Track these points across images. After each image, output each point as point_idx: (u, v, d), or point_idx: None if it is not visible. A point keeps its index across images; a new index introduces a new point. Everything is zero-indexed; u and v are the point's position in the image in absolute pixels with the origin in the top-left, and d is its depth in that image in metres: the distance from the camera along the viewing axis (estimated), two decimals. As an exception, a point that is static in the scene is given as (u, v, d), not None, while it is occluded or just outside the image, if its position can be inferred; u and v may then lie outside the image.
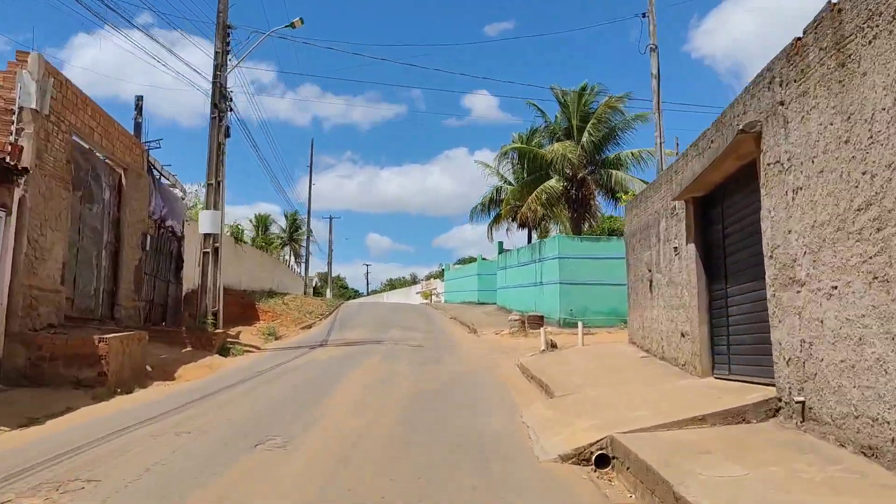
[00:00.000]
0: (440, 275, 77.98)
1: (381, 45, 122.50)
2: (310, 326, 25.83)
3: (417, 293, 72.37)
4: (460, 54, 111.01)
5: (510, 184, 33.31)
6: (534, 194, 26.09)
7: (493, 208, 35.11)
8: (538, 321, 23.01)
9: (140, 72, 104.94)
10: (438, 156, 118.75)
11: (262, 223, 75.63)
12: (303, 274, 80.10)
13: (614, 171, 26.10)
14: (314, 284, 70.96)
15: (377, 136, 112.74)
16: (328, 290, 68.85)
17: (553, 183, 26.22)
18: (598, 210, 26.29)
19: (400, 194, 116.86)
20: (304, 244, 76.88)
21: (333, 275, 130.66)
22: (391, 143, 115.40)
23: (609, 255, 23.74)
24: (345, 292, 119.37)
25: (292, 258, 77.15)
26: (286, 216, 75.54)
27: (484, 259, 39.94)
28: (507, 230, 34.93)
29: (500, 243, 34.66)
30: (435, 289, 66.43)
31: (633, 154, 26.11)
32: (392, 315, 32.52)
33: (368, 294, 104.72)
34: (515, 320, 22.90)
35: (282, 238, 75.64)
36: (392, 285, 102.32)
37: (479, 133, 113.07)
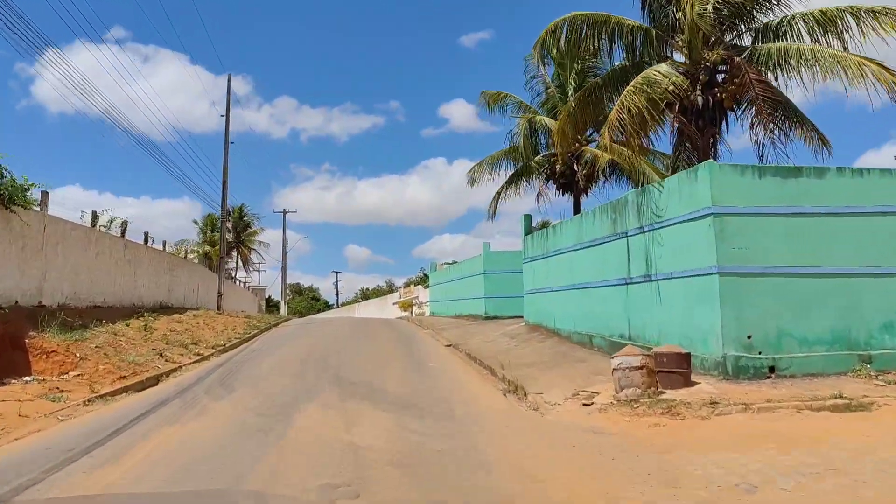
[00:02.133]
0: (422, 280, 63.92)
1: (357, 55, 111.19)
2: (142, 386, 11.47)
3: (395, 304, 58.28)
4: (437, 64, 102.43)
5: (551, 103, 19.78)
6: (628, 93, 12.19)
7: (508, 161, 21.35)
8: (679, 364, 9.30)
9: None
10: (416, 166, 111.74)
11: (211, 225, 61.23)
12: (254, 284, 65.73)
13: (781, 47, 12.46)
14: (280, 298, 56.59)
15: (355, 148, 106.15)
16: (282, 303, 54.48)
17: (664, 71, 12.43)
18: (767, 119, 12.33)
19: (378, 205, 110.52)
20: (257, 247, 62.55)
21: (306, 286, 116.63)
22: (369, 154, 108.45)
23: (846, 206, 10.23)
24: (315, 304, 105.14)
25: (238, 266, 62.71)
26: (231, 212, 61.07)
27: (494, 251, 25.94)
28: (537, 196, 21.10)
29: (527, 217, 20.77)
30: (416, 297, 52.40)
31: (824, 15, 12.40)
32: (348, 343, 18.61)
33: (339, 306, 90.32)
34: (631, 369, 9.03)
35: (227, 241, 61.15)
36: (365, 295, 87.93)
37: (457, 142, 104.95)
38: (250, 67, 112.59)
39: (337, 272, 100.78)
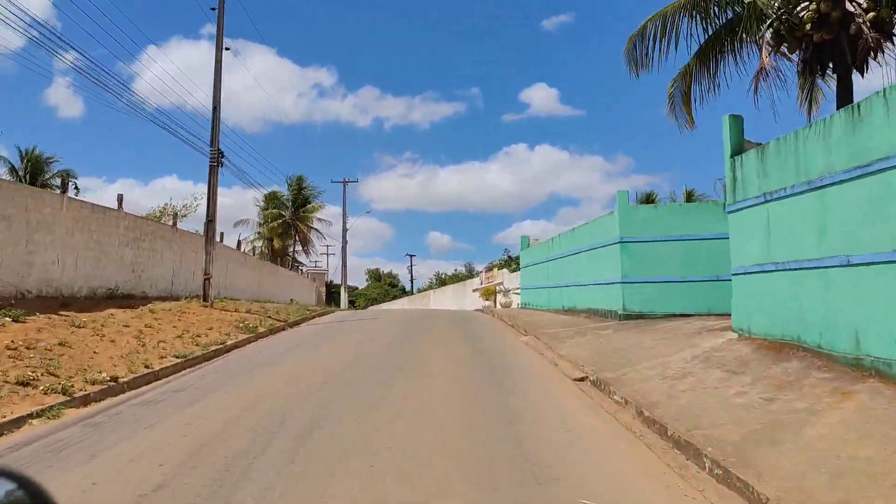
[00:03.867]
0: (507, 263, 53.86)
1: (437, 43, 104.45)
2: None
3: (475, 290, 48.60)
4: (517, 49, 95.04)
5: None
6: None
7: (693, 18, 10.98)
8: None
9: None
10: (497, 152, 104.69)
11: (273, 202, 53.50)
12: (314, 268, 57.38)
13: None
14: (341, 283, 48.12)
15: (437, 135, 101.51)
16: (343, 290, 45.79)
17: None
18: None
19: (460, 192, 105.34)
20: (316, 224, 54.26)
21: (386, 271, 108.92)
22: (451, 141, 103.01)
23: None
24: (391, 291, 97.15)
25: (299, 249, 54.63)
26: (288, 184, 52.93)
27: (640, 206, 15.48)
28: (757, 77, 10.54)
29: (735, 122, 10.13)
30: (500, 283, 42.57)
31: None
32: (362, 390, 9.09)
33: (413, 292, 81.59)
34: None
35: (283, 217, 53.09)
36: (442, 281, 78.62)
37: (539, 127, 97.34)
38: (335, 58, 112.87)
39: (411, 255, 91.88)
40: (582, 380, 9.12)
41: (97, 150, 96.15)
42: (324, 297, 50.04)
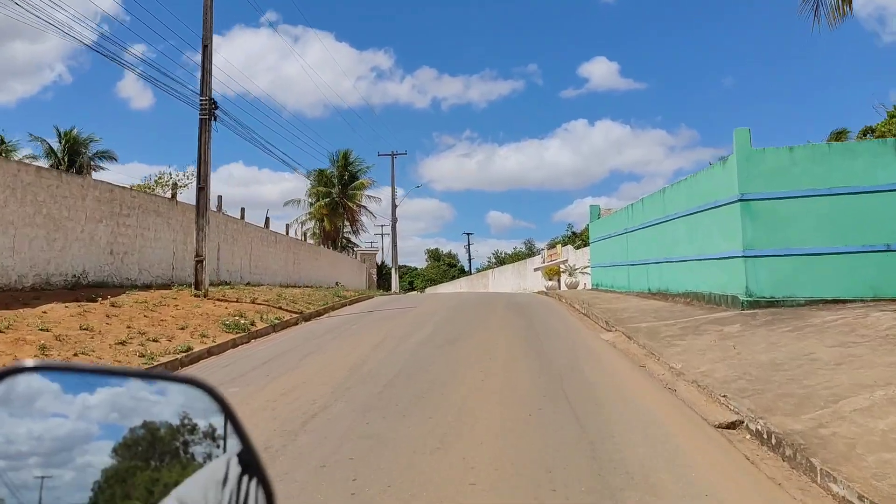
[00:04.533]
0: (571, 240, 49.38)
1: (493, 20, 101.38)
2: None
3: (537, 270, 44.44)
4: (574, 22, 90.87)
5: None
6: None
7: None
8: None
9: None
10: (556, 129, 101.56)
11: (322, 181, 50.68)
12: (365, 249, 54.06)
13: None
14: (392, 265, 44.75)
15: (495, 114, 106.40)
16: (393, 272, 42.42)
17: None
18: None
19: (519, 170, 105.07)
20: (365, 202, 51.00)
21: (445, 251, 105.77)
22: (509, 119, 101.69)
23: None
24: (450, 271, 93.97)
25: (345, 226, 51.59)
26: (332, 160, 49.64)
27: (769, 148, 11.06)
28: None
29: None
30: (566, 261, 38.28)
31: None
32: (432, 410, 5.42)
33: (471, 272, 77.97)
34: None
35: (331, 195, 50.02)
36: (500, 260, 74.50)
37: (598, 102, 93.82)
38: (391, 40, 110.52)
39: (468, 234, 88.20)
40: (732, 426, 5.10)
41: (162, 140, 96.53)
42: (374, 279, 46.85)
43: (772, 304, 10.25)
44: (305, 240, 45.39)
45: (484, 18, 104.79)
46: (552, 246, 45.39)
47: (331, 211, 50.16)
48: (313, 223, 53.44)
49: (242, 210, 21.71)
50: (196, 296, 13.19)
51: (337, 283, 35.29)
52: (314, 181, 50.34)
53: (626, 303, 14.59)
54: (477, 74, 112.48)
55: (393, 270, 41.60)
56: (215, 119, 13.77)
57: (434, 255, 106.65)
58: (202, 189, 13.58)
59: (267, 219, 24.54)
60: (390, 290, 41.90)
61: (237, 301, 13.74)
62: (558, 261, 40.39)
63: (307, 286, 28.03)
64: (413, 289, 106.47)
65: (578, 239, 50.20)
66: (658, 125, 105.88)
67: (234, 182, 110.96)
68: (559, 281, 38.44)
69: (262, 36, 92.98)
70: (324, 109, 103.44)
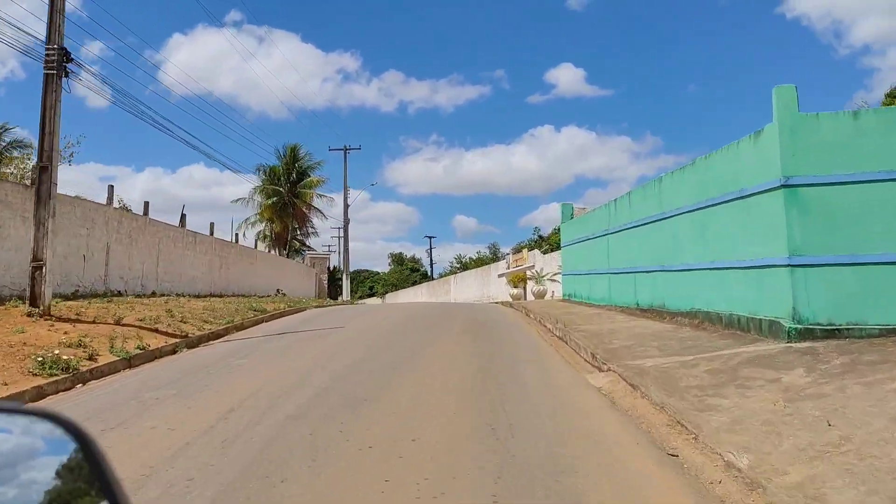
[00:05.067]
0: (538, 244, 46.43)
1: (460, 25, 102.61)
2: None
3: (501, 276, 41.34)
4: (542, 29, 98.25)
5: None
6: None
7: None
8: None
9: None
10: (523, 134, 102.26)
11: (272, 178, 46.79)
12: (317, 252, 49.90)
13: None
14: (343, 270, 41.01)
15: (462, 118, 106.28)
16: (344, 278, 38.80)
17: None
18: None
19: (485, 175, 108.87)
20: (317, 202, 47.24)
21: (409, 256, 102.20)
22: (476, 124, 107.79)
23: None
24: (412, 276, 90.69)
25: (309, 231, 47.84)
26: (279, 155, 45.72)
27: (824, 113, 7.97)
28: None
29: None
30: (532, 267, 35.28)
31: None
32: None
33: (433, 277, 74.74)
34: None
35: (279, 194, 46.07)
36: (463, 265, 71.31)
37: (565, 108, 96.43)
38: (358, 43, 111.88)
39: (430, 237, 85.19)
40: None
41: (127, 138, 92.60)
42: (325, 286, 43.18)
43: (832, 333, 7.12)
44: (257, 245, 41.53)
45: (451, 23, 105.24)
46: (518, 251, 42.32)
47: (279, 211, 46.32)
48: (264, 225, 49.50)
49: (146, 204, 17.97)
50: (30, 314, 9.51)
51: (278, 291, 31.60)
52: (265, 178, 46.44)
53: (612, 322, 11.39)
54: (444, 79, 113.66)
55: (343, 276, 37.99)
56: (67, 75, 10.14)
57: (397, 260, 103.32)
58: (45, 169, 9.88)
59: (183, 215, 20.77)
60: (341, 297, 38.34)
61: (93, 321, 10.09)
62: (524, 266, 37.31)
63: (238, 295, 24.32)
64: (373, 294, 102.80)
65: (546, 243, 47.29)
66: (623, 132, 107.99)
67: (195, 184, 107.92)
68: (525, 289, 35.35)
69: (225, 36, 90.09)
70: (287, 112, 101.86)
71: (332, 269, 49.50)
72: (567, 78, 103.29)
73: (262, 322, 14.04)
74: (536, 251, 36.56)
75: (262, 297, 26.59)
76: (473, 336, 10.67)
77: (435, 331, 11.73)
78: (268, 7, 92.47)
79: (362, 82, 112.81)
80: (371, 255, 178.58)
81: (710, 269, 9.47)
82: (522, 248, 43.02)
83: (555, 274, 26.31)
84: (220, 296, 22.88)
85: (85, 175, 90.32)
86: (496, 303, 24.02)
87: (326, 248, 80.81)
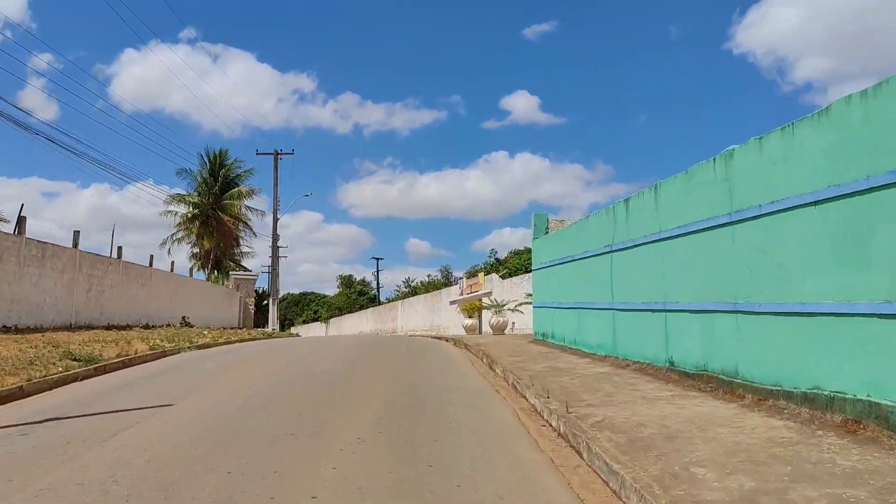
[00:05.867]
0: (496, 267, 41.74)
1: (418, 50, 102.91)
2: None
3: (453, 303, 36.34)
4: (499, 57, 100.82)
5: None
6: None
7: None
8: None
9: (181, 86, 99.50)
10: (478, 159, 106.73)
11: (194, 186, 41.03)
12: (245, 273, 43.48)
13: None
14: (273, 295, 35.24)
15: (417, 142, 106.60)
16: (271, 305, 33.07)
17: None
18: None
19: (440, 199, 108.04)
20: (246, 217, 41.46)
21: (359, 278, 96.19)
22: (431, 148, 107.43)
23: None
24: (358, 300, 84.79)
25: (246, 250, 42.06)
26: (204, 159, 39.91)
27: None
28: None
29: None
30: (489, 294, 30.41)
31: None
32: None
33: (380, 302, 69.44)
34: None
35: (199, 203, 40.15)
36: (412, 289, 66.18)
37: (519, 134, 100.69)
38: (315, 64, 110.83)
39: (378, 259, 79.87)
40: None
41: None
42: (252, 311, 37.37)
43: None
44: (193, 270, 35.52)
45: (409, 48, 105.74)
46: (472, 275, 37.37)
47: (201, 225, 40.43)
48: (192, 243, 43.35)
49: None
50: None
51: (184, 320, 25.84)
52: (197, 186, 40.43)
53: (645, 400, 6.43)
54: (401, 102, 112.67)
55: (271, 302, 32.30)
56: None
57: (346, 282, 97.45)
58: None
59: (21, 218, 15.06)
60: (268, 325, 32.66)
61: None
62: (480, 293, 32.38)
63: (115, 327, 18.62)
64: (317, 319, 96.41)
65: (503, 267, 42.59)
66: (576, 160, 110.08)
67: (143, 202, 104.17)
68: (480, 319, 30.43)
69: (180, 52, 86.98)
70: (242, 129, 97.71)
71: (261, 291, 43.61)
72: (522, 105, 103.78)
73: (64, 384, 8.57)
74: (494, 275, 31.72)
75: (154, 328, 20.91)
76: (399, 436, 5.55)
77: (351, 401, 6.59)
78: (223, 26, 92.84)
79: (318, 103, 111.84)
80: (323, 277, 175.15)
81: (883, 316, 4.62)
82: (477, 271, 38.07)
83: (520, 304, 21.47)
84: (86, 327, 17.22)
85: (27, 189, 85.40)
86: (446, 339, 18.99)
87: (267, 268, 74.56)
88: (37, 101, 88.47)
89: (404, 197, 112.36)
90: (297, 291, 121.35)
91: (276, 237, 32.63)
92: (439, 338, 21.71)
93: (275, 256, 32.86)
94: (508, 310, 24.17)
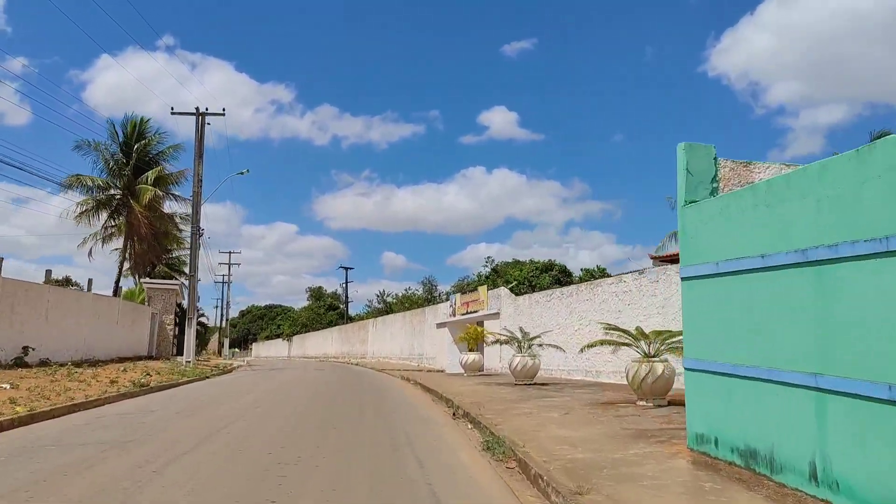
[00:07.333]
0: (492, 278, 32.53)
1: (397, 64, 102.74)
2: None
3: (442, 326, 26.78)
4: (477, 73, 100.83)
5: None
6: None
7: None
8: None
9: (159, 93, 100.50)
10: (455, 174, 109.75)
11: (100, 165, 31.06)
12: (172, 282, 32.95)
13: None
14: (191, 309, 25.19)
15: (395, 156, 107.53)
16: (188, 326, 23.28)
17: None
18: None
19: (416, 213, 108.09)
20: (165, 205, 31.78)
21: (330, 291, 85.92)
22: (409, 162, 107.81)
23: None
24: (326, 315, 74.70)
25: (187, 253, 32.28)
26: (114, 135, 30.24)
27: None
28: None
29: None
30: (496, 315, 21.14)
31: None
32: None
33: (349, 320, 59.79)
34: None
35: (105, 186, 30.34)
36: (387, 306, 56.45)
37: (497, 150, 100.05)
38: (293, 75, 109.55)
39: (347, 268, 70.27)
40: None
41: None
42: (171, 332, 27.55)
43: None
44: (118, 280, 25.85)
45: (388, 62, 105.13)
46: (470, 288, 28.08)
47: (110, 217, 30.62)
48: (123, 242, 33.27)
49: None
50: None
51: (25, 351, 16.18)
52: (105, 165, 30.19)
53: None
54: (379, 116, 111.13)
55: (187, 323, 22.55)
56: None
57: (315, 295, 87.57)
58: None
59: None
60: (184, 354, 22.93)
61: None
62: (482, 314, 22.90)
63: None
64: (279, 335, 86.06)
65: (500, 279, 33.46)
66: (552, 176, 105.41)
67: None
68: (482, 352, 21.12)
69: (159, 60, 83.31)
70: (217, 139, 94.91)
71: (185, 305, 33.59)
72: (500, 120, 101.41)
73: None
74: (503, 290, 22.43)
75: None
76: None
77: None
78: (201, 35, 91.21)
79: (296, 114, 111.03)
80: (295, 289, 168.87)
81: None
82: (476, 285, 28.73)
83: (592, 344, 11.88)
84: None
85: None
86: (433, 391, 9.71)
87: (220, 279, 64.30)
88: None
89: (381, 210, 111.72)
90: (262, 304, 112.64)
91: (196, 227, 23.04)
92: (427, 389, 12.52)
93: (193, 255, 23.20)
94: (539, 345, 15.18)
